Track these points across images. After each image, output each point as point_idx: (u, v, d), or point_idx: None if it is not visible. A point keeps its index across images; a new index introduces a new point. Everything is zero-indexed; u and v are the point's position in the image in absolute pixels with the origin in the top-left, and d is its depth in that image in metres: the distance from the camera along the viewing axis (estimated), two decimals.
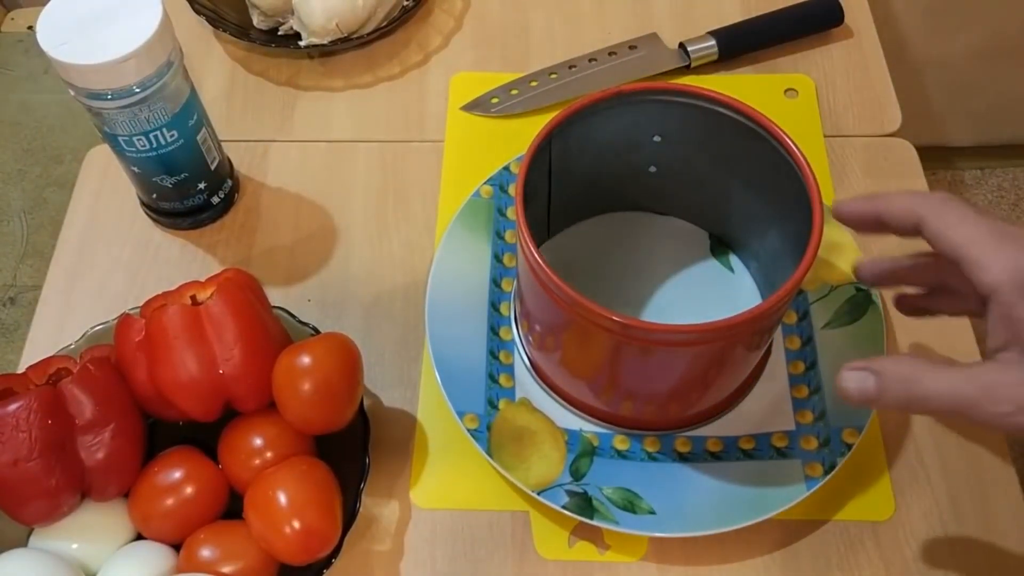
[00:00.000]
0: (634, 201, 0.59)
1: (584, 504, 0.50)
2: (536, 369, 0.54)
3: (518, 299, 0.54)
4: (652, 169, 0.55)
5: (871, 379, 0.37)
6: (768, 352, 0.54)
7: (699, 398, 0.51)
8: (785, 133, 0.46)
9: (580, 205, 0.58)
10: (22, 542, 0.49)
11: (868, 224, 0.41)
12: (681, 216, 0.59)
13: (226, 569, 0.46)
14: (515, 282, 0.56)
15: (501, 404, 0.54)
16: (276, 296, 0.60)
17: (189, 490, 0.49)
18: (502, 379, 0.55)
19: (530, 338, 0.53)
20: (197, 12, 0.71)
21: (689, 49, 0.69)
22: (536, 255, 0.43)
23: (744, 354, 0.48)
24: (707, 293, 0.58)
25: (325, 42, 0.69)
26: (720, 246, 0.59)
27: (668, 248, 0.59)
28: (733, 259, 0.59)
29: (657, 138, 0.52)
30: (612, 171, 0.54)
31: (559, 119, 0.47)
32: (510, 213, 0.61)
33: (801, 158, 0.45)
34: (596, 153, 0.52)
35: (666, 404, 0.51)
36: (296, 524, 0.46)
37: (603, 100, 0.48)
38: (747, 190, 0.52)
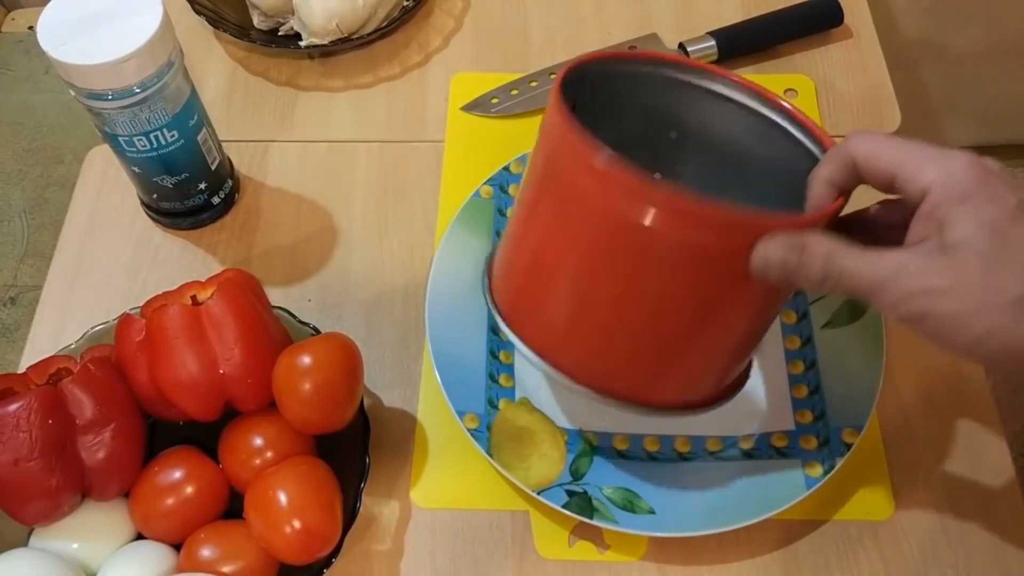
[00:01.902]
0: (652, 165, 0.51)
1: (584, 504, 0.50)
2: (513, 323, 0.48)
3: (511, 236, 0.48)
4: (673, 135, 0.52)
5: (794, 256, 0.38)
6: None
7: (700, 360, 0.46)
8: (790, 104, 0.46)
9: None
10: (22, 542, 0.49)
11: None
12: (699, 183, 0.52)
13: (226, 569, 0.46)
14: (490, 249, 0.52)
15: (501, 404, 0.54)
16: (276, 296, 0.60)
17: (189, 490, 0.49)
18: (502, 379, 0.55)
19: (511, 280, 0.48)
20: (197, 12, 0.71)
21: (689, 49, 0.70)
22: (571, 118, 0.41)
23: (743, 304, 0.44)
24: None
25: (325, 42, 0.69)
26: None
27: None
28: None
29: (673, 134, 0.51)
30: (634, 132, 0.50)
31: (585, 58, 0.46)
32: (510, 213, 0.60)
33: (810, 125, 0.46)
34: (618, 113, 0.50)
35: (668, 361, 0.46)
36: (296, 524, 0.46)
37: (622, 55, 0.47)
38: (760, 171, 0.50)
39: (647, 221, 0.39)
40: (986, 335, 0.35)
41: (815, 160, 0.45)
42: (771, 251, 0.38)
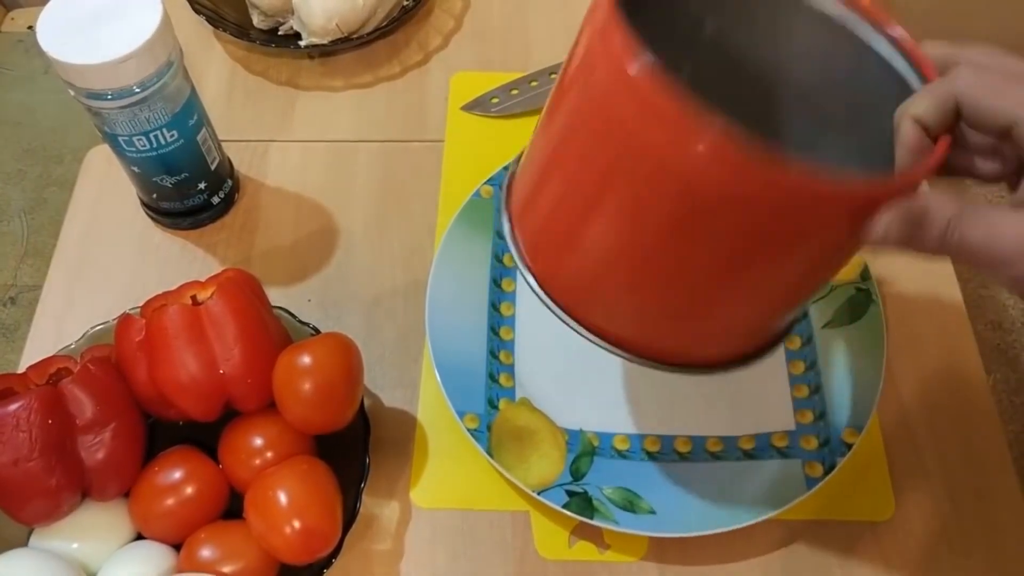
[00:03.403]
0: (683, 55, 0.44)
1: (584, 504, 0.50)
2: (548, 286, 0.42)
3: (544, 177, 0.40)
4: (711, 24, 0.43)
5: (914, 226, 0.33)
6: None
7: (744, 317, 0.41)
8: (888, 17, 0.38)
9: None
10: (22, 542, 0.49)
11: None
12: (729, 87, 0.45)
13: (226, 569, 0.46)
14: (508, 171, 0.44)
15: (501, 404, 0.54)
16: (276, 296, 0.60)
17: (189, 490, 0.49)
18: (502, 379, 0.55)
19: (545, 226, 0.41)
20: (197, 12, 0.71)
21: None
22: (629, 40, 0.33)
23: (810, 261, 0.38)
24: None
25: (325, 42, 0.69)
26: None
27: None
28: None
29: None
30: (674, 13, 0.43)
31: None
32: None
33: (914, 50, 0.37)
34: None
35: (705, 316, 0.40)
36: (296, 524, 0.46)
37: None
38: (808, 84, 0.43)
39: (705, 176, 0.33)
40: None
41: (901, 83, 0.38)
42: (891, 225, 0.34)
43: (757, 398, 0.54)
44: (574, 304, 0.40)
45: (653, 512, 0.50)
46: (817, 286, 0.40)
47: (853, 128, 0.40)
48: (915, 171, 0.34)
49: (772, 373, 0.55)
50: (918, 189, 0.34)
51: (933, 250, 0.34)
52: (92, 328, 0.54)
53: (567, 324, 0.41)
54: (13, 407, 0.45)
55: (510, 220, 0.42)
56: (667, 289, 0.38)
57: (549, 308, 0.41)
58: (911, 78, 0.38)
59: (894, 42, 0.38)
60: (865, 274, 0.56)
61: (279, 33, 0.72)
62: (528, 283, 0.41)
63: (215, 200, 0.63)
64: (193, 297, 0.50)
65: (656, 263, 0.37)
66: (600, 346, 0.40)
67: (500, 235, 0.60)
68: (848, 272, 0.57)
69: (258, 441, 0.49)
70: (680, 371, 0.42)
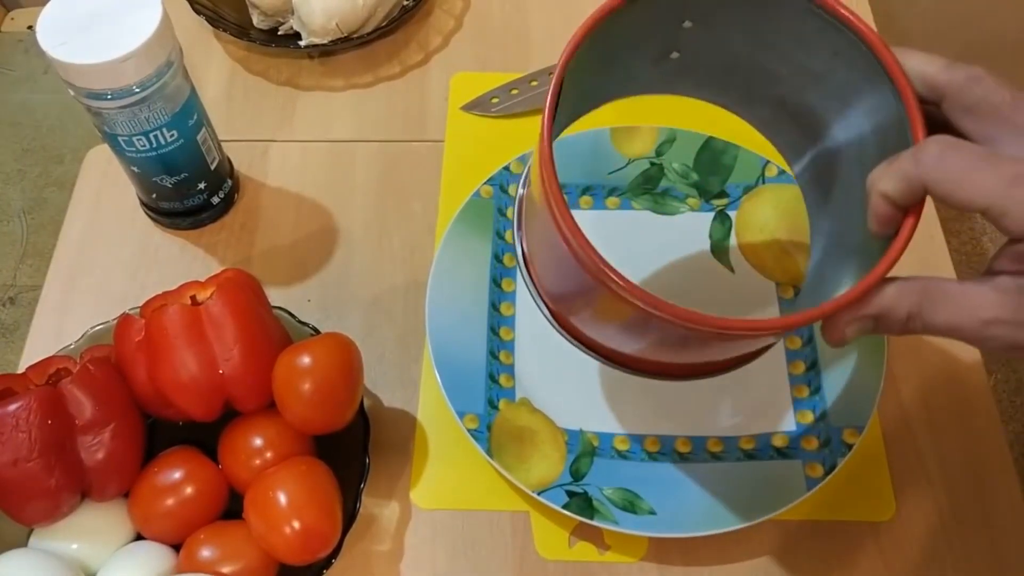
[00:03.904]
0: (646, 86, 0.48)
1: (584, 504, 0.50)
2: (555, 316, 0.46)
3: (532, 249, 0.46)
4: (674, 55, 0.45)
5: (871, 325, 0.35)
6: None
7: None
8: (880, 39, 0.37)
9: (585, 100, 0.48)
10: (22, 542, 0.49)
11: None
12: (701, 97, 0.49)
13: (226, 569, 0.46)
14: (515, 218, 0.48)
15: (501, 404, 0.54)
16: (276, 296, 0.60)
17: (189, 490, 0.49)
18: (502, 379, 0.55)
19: (541, 277, 0.46)
20: (197, 12, 0.71)
21: None
22: (573, 226, 0.37)
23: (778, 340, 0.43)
24: (710, 295, 0.58)
25: (325, 42, 0.69)
26: (719, 247, 0.59)
27: (668, 249, 0.59)
28: (734, 259, 0.59)
29: (688, 23, 0.43)
30: (626, 61, 0.45)
31: (580, 35, 0.39)
32: (510, 213, 0.60)
33: (902, 77, 0.36)
34: (612, 48, 0.43)
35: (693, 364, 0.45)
36: (296, 524, 0.46)
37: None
38: (800, 83, 0.43)
39: (676, 333, 0.37)
40: None
41: (850, 43, 0.37)
42: (848, 330, 0.35)
43: (757, 399, 0.54)
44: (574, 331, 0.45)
45: (653, 513, 0.50)
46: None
47: (844, 119, 0.40)
48: (853, 292, 0.34)
49: (772, 373, 0.55)
50: (876, 288, 0.34)
51: (900, 335, 0.35)
52: (92, 328, 0.54)
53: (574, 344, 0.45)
54: (13, 407, 0.45)
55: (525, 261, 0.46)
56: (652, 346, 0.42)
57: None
58: (884, 90, 0.37)
59: (866, 42, 0.37)
60: None
61: (279, 33, 0.72)
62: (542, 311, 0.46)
63: (215, 200, 0.63)
64: (193, 297, 0.50)
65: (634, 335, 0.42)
66: (583, 351, 0.45)
67: (500, 235, 0.60)
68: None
69: (258, 441, 0.49)
70: (683, 379, 0.45)
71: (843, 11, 0.37)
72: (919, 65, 0.35)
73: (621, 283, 0.36)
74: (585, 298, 0.42)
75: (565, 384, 0.55)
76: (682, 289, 0.58)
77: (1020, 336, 0.32)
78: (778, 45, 0.41)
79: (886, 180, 0.34)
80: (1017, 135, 0.33)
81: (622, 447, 0.53)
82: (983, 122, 0.34)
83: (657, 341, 0.41)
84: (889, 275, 0.35)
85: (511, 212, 0.60)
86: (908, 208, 0.34)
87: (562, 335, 0.46)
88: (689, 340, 0.39)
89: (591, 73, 0.44)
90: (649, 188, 0.62)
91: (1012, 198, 0.31)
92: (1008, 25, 1.22)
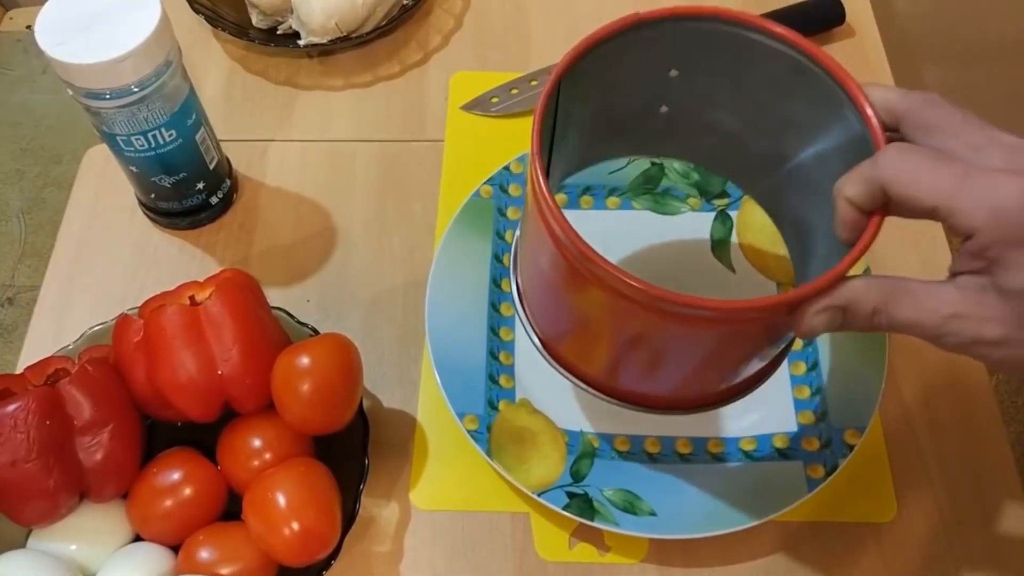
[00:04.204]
0: (637, 144, 0.51)
1: (585, 505, 0.50)
2: (544, 345, 0.49)
3: (522, 271, 0.48)
4: (664, 109, 0.48)
5: (839, 317, 0.36)
6: (791, 343, 0.49)
7: (712, 382, 0.47)
8: (840, 66, 0.40)
9: (581, 153, 0.51)
10: (20, 543, 0.49)
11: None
12: (689, 159, 0.52)
13: (225, 570, 0.46)
14: (512, 251, 0.51)
15: (501, 405, 0.54)
16: (275, 296, 0.60)
17: (188, 491, 0.49)
18: (502, 380, 0.55)
19: (534, 311, 0.48)
20: (196, 11, 0.71)
21: None
22: (564, 222, 0.38)
23: (763, 345, 0.44)
24: (709, 293, 0.57)
25: (324, 41, 0.69)
26: (720, 247, 0.59)
27: (668, 249, 0.59)
28: (735, 259, 0.59)
29: (673, 72, 0.45)
30: (618, 113, 0.48)
31: (573, 56, 0.41)
32: (510, 213, 0.60)
33: (860, 95, 0.39)
34: (603, 94, 0.46)
35: (682, 386, 0.47)
36: (295, 525, 0.45)
37: (621, 30, 0.42)
38: (778, 130, 0.45)
39: (654, 323, 0.39)
40: None
41: (826, 88, 0.40)
42: (816, 321, 0.37)
43: (758, 399, 0.54)
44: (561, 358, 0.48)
45: (654, 514, 0.50)
46: (763, 357, 0.45)
47: (827, 162, 0.42)
48: (821, 280, 0.36)
49: (773, 374, 0.55)
50: (843, 281, 0.36)
51: (864, 329, 0.36)
52: (90, 329, 0.53)
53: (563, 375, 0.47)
54: (11, 408, 0.44)
55: (518, 288, 0.49)
56: (642, 373, 0.45)
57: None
58: (852, 122, 0.39)
59: (840, 83, 0.40)
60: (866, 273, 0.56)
61: (278, 32, 0.72)
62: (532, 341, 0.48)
63: (213, 200, 0.63)
64: (191, 297, 0.50)
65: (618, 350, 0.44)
66: (576, 384, 0.47)
67: (500, 235, 0.59)
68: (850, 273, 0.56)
69: (257, 442, 0.49)
70: (668, 413, 0.47)
71: (807, 46, 0.41)
72: (880, 94, 0.38)
73: (584, 250, 0.37)
74: (567, 299, 0.43)
75: (565, 385, 0.55)
76: (683, 289, 0.57)
77: (979, 330, 0.34)
78: (755, 94, 0.44)
79: (849, 185, 0.36)
80: (967, 149, 0.35)
81: (622, 448, 0.53)
82: (936, 139, 0.36)
83: (644, 350, 0.43)
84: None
85: (511, 212, 0.60)
86: (872, 212, 0.36)
87: (561, 372, 0.48)
88: (670, 345, 0.41)
89: (587, 128, 0.47)
90: (650, 188, 0.62)
91: (959, 195, 0.33)
92: (1008, 25, 1.22)
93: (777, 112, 0.44)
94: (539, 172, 0.39)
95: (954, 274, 0.35)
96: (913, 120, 0.37)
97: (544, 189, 0.38)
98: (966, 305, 0.34)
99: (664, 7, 0.42)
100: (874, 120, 0.38)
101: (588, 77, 0.44)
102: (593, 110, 0.47)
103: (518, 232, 0.50)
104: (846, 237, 0.37)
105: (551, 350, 0.48)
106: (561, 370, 0.48)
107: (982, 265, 0.34)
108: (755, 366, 0.46)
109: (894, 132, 0.38)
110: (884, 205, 0.36)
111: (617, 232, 0.60)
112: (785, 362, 0.55)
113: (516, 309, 0.49)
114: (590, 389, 0.47)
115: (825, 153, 0.40)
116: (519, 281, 0.49)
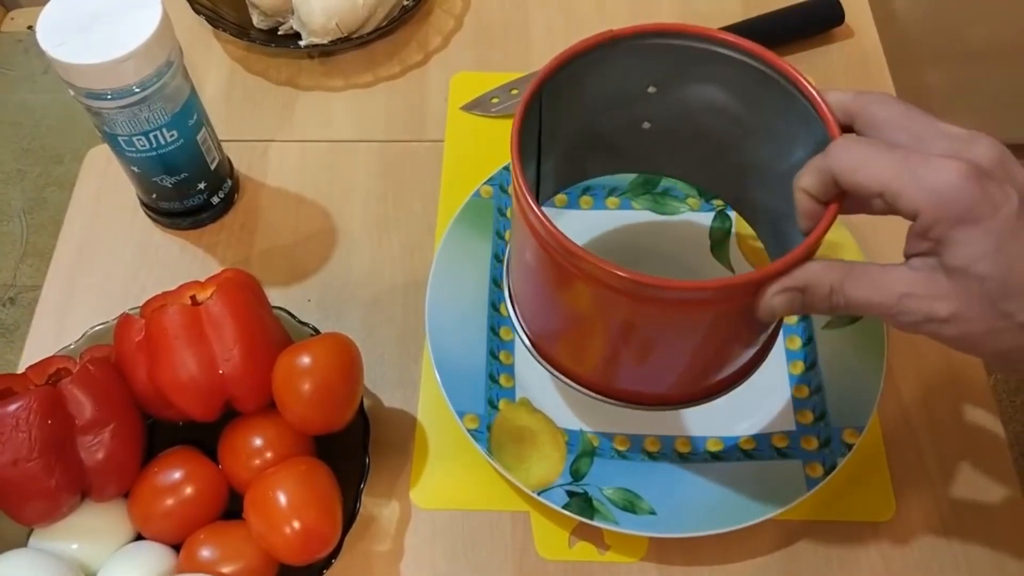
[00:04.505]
0: (627, 161, 0.54)
1: (584, 504, 0.50)
2: (536, 347, 0.50)
3: (518, 276, 0.49)
4: (646, 125, 0.50)
5: (798, 298, 0.38)
6: (774, 333, 0.50)
7: (699, 374, 0.48)
8: (796, 70, 0.42)
9: (570, 169, 0.53)
10: (22, 542, 0.49)
11: None
12: (677, 175, 0.54)
13: (226, 569, 0.46)
14: (505, 258, 0.52)
15: (501, 404, 0.54)
16: (276, 296, 0.60)
17: (189, 490, 0.49)
18: (502, 379, 0.55)
19: (525, 313, 0.50)
20: (197, 12, 0.71)
21: None
22: (540, 214, 0.39)
23: (742, 331, 0.45)
24: None
25: (325, 42, 0.69)
26: (719, 247, 0.59)
27: (668, 249, 0.59)
28: (734, 259, 0.59)
29: (652, 88, 0.48)
30: (604, 129, 0.50)
31: (552, 67, 0.43)
32: (510, 213, 0.60)
33: (816, 96, 0.41)
34: (586, 110, 0.48)
35: (670, 380, 0.48)
36: (296, 524, 0.46)
37: (597, 45, 0.44)
38: (752, 140, 0.47)
39: (631, 310, 0.41)
40: (1000, 354, 0.36)
41: (793, 99, 0.43)
42: (776, 302, 0.38)
43: (757, 399, 0.54)
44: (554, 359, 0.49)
45: (653, 513, 0.50)
46: (744, 347, 0.46)
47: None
48: (781, 263, 0.38)
49: (772, 373, 0.55)
50: (803, 264, 0.38)
51: (826, 312, 0.38)
52: (92, 328, 0.54)
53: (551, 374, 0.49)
54: (13, 407, 0.45)
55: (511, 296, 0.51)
56: (631, 367, 0.46)
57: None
58: (816, 127, 0.41)
59: (800, 90, 0.42)
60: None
61: (279, 33, 0.72)
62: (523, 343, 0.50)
63: (215, 200, 0.63)
64: (193, 297, 0.50)
65: (599, 341, 0.45)
66: (569, 385, 0.48)
67: (500, 235, 0.60)
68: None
69: (258, 441, 0.49)
70: (656, 408, 0.48)
71: (768, 56, 0.43)
72: (835, 96, 0.40)
73: (559, 238, 0.39)
74: (551, 293, 0.45)
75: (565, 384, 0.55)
76: None
77: (931, 308, 0.35)
78: (728, 106, 0.46)
79: (804, 177, 0.39)
80: (911, 139, 0.37)
81: (622, 447, 0.53)
82: (885, 133, 0.38)
83: (628, 341, 0.44)
84: None
85: (511, 212, 0.61)
86: (827, 202, 0.38)
87: (554, 373, 0.49)
88: (652, 334, 0.43)
89: (575, 143, 0.50)
90: (649, 188, 0.62)
91: (902, 178, 0.35)
92: (1007, 25, 1.22)
93: (750, 122, 0.46)
94: (518, 169, 0.41)
95: (908, 257, 0.37)
96: (864, 118, 0.39)
97: (524, 186, 0.40)
98: (917, 285, 0.36)
99: (638, 24, 0.45)
100: (830, 119, 0.40)
101: (569, 93, 0.46)
102: (578, 126, 0.49)
103: (508, 237, 0.51)
104: (805, 226, 0.39)
105: (542, 351, 0.49)
106: (553, 371, 0.49)
107: (929, 246, 0.35)
108: (740, 356, 0.47)
109: (849, 131, 0.40)
110: (838, 195, 0.38)
111: (617, 232, 0.60)
112: (785, 361, 0.56)
113: (508, 311, 0.50)
114: (583, 389, 0.48)
115: (798, 160, 0.42)
116: (510, 284, 0.51)
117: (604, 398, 0.48)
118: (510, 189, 0.61)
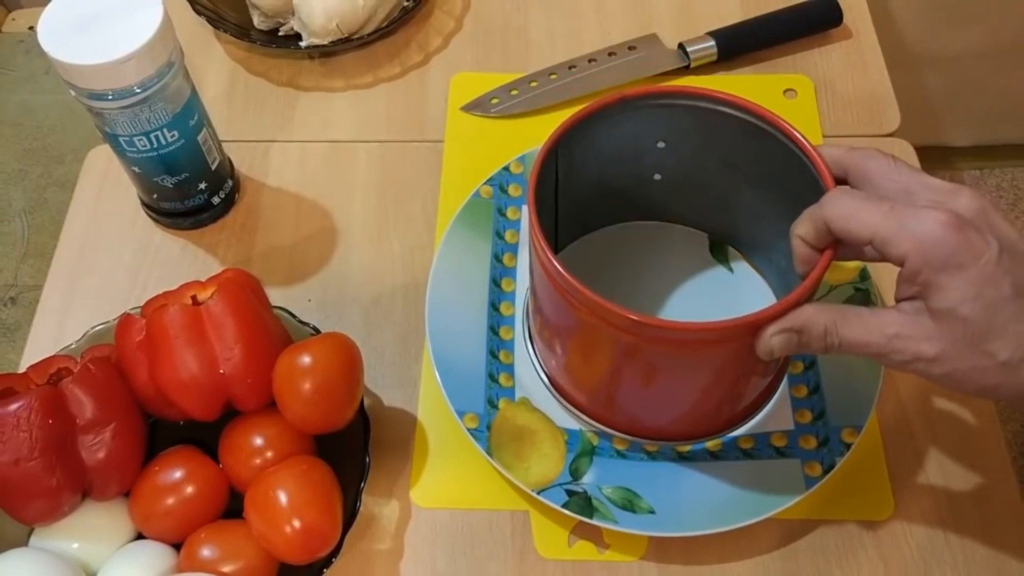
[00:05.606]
0: (640, 210, 0.58)
1: (584, 503, 0.50)
2: (555, 385, 0.54)
3: (535, 314, 0.53)
4: (657, 176, 0.54)
5: (795, 338, 0.40)
6: (783, 369, 0.54)
7: (703, 417, 0.51)
8: (792, 127, 0.46)
9: (587, 216, 0.58)
10: (22, 542, 0.49)
11: None
12: (688, 223, 0.59)
13: (226, 568, 0.47)
14: (526, 296, 0.56)
15: (501, 403, 0.54)
16: (276, 296, 0.60)
17: (189, 489, 0.49)
18: (502, 378, 0.55)
19: (547, 351, 0.53)
20: (198, 12, 0.71)
21: (688, 49, 0.70)
22: (554, 261, 0.43)
23: (743, 369, 0.47)
24: (710, 296, 0.58)
25: (325, 42, 0.69)
26: (719, 247, 0.59)
27: (668, 254, 0.59)
28: (733, 260, 0.59)
29: (661, 144, 0.52)
30: (617, 181, 0.54)
31: (565, 126, 0.47)
32: (510, 213, 0.61)
33: (812, 151, 0.44)
34: (600, 163, 0.52)
35: (680, 418, 0.51)
36: (296, 523, 0.46)
37: (608, 105, 0.47)
38: (755, 189, 0.51)
39: (626, 339, 0.43)
40: (984, 390, 0.38)
41: (788, 150, 0.46)
42: (774, 342, 0.41)
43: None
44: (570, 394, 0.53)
45: (652, 512, 0.50)
46: (746, 384, 0.49)
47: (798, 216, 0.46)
48: (778, 306, 0.41)
49: (768, 405, 0.55)
50: (799, 306, 0.41)
51: (820, 352, 0.41)
52: (92, 328, 0.54)
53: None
54: (14, 407, 0.45)
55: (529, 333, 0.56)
56: (624, 390, 0.50)
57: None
58: (812, 178, 0.45)
59: (797, 145, 0.45)
60: (864, 274, 0.57)
61: (280, 34, 0.72)
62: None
63: (215, 200, 0.63)
64: (193, 297, 0.50)
65: (608, 376, 0.49)
66: (587, 423, 0.53)
67: (500, 235, 0.60)
68: (846, 273, 0.57)
69: (258, 441, 0.50)
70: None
71: (768, 115, 0.46)
72: (830, 152, 0.44)
73: (547, 249, 0.42)
74: (568, 337, 0.49)
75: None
76: (681, 289, 0.58)
77: (919, 348, 0.38)
78: (733, 159, 0.51)
79: (800, 225, 0.42)
80: (899, 192, 0.40)
81: (621, 446, 0.53)
82: (875, 184, 0.41)
83: (636, 379, 0.47)
84: None
85: (511, 212, 0.61)
86: (822, 248, 0.41)
87: (573, 412, 0.53)
88: (657, 371, 0.46)
89: (591, 194, 0.54)
90: None
91: (891, 226, 0.37)
92: (1007, 26, 1.22)
93: (753, 173, 0.50)
94: (535, 219, 0.44)
95: (897, 300, 0.40)
96: (856, 171, 0.42)
97: (540, 235, 0.43)
98: (906, 327, 0.38)
99: (647, 86, 0.49)
100: (825, 172, 0.43)
101: (583, 148, 0.49)
102: (592, 178, 0.52)
103: (509, 238, 0.57)
104: (802, 270, 0.42)
105: (560, 389, 0.54)
106: (574, 409, 0.53)
107: (917, 290, 0.38)
108: (743, 393, 0.50)
109: (843, 182, 0.43)
110: (832, 242, 0.41)
111: (616, 242, 0.60)
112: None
113: (528, 353, 0.55)
114: (600, 426, 0.52)
115: (797, 210, 0.44)
116: (530, 326, 0.55)
117: (622, 433, 0.52)
118: (510, 189, 0.61)
